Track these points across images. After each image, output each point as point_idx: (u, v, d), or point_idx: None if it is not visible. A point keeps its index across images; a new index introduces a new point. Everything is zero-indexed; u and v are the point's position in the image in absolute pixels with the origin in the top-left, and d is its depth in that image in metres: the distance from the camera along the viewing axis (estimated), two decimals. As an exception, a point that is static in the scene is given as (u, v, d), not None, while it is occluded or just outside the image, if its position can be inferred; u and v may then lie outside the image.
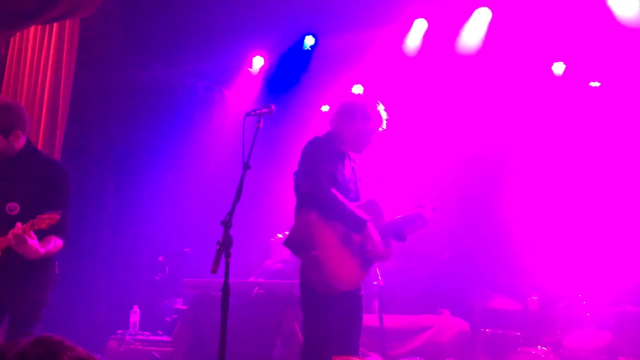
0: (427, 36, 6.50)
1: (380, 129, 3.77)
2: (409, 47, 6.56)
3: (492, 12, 6.26)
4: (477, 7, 6.27)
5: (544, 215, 6.41)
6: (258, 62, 7.46)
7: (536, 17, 5.95)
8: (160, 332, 5.74)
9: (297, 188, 3.59)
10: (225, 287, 2.78)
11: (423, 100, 6.62)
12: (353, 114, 3.71)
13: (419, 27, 6.49)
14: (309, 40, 6.87)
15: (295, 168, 3.65)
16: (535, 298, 5.88)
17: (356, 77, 6.78)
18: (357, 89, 6.76)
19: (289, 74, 7.13)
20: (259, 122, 3.11)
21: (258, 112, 3.15)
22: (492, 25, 6.28)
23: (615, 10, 5.90)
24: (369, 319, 5.34)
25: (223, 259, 2.76)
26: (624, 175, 6.26)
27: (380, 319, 4.71)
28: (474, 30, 6.33)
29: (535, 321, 5.80)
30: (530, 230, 6.30)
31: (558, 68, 6.78)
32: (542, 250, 6.18)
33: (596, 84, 6.54)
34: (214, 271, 2.72)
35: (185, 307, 5.66)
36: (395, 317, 5.50)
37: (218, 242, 2.75)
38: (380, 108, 3.78)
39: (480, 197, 5.64)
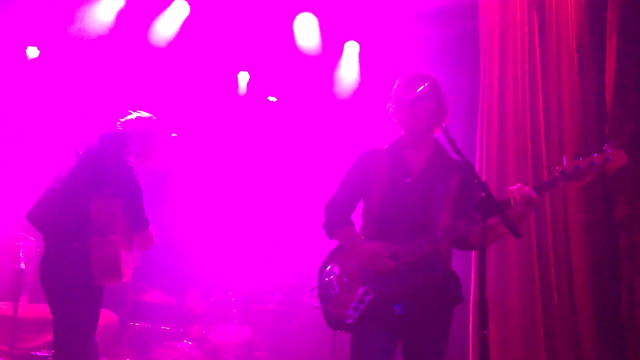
0: (120, 15, 6.15)
1: None
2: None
3: (190, 6, 6.23)
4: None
5: (204, 214, 6.61)
6: None
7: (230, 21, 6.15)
8: None
9: None
10: None
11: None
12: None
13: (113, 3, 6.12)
14: None
15: None
16: (190, 293, 6.02)
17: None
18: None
19: None
20: None
21: None
22: (188, 20, 6.27)
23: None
24: (3, 307, 4.77)
25: None
26: (277, 182, 6.80)
27: (15, 307, 4.24)
28: (168, 22, 6.23)
29: (186, 316, 5.92)
30: (189, 227, 6.44)
31: (243, 78, 7.14)
32: (200, 247, 6.37)
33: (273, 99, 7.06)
34: None
35: None
36: (34, 306, 4.98)
37: None
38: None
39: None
